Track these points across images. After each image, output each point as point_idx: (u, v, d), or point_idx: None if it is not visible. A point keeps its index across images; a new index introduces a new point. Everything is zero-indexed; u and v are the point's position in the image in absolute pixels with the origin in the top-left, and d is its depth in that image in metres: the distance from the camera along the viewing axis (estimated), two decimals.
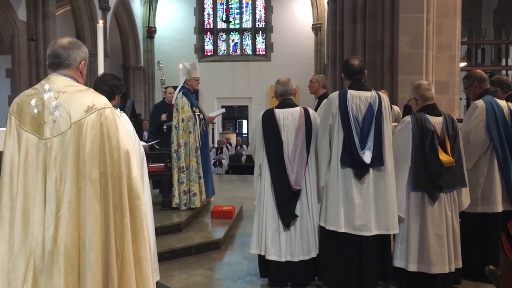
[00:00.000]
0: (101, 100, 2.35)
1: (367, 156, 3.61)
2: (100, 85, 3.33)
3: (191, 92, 6.04)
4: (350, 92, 3.72)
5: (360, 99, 3.71)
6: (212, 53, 20.41)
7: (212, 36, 20.47)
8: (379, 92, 3.81)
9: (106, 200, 2.28)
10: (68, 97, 2.30)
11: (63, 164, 2.26)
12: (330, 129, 3.75)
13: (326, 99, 3.95)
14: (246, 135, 20.79)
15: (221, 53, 20.47)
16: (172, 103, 6.10)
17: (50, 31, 12.08)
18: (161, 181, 6.08)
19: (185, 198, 5.84)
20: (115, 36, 17.98)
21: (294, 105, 4.04)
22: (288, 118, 3.95)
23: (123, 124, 2.70)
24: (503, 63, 9.90)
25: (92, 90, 2.45)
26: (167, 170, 5.92)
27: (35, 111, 2.30)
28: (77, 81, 2.43)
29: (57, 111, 2.29)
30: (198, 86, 6.20)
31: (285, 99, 4.07)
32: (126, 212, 2.33)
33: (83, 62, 2.46)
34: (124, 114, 3.35)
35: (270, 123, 3.98)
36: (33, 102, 2.32)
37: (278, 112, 4.00)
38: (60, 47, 2.39)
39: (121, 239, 2.32)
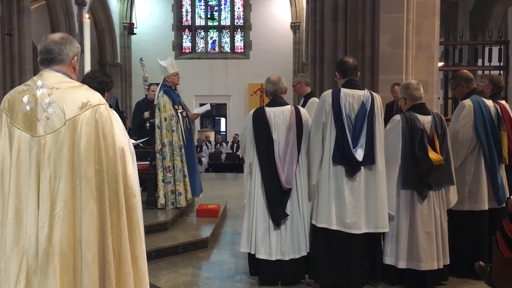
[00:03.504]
0: (95, 97, 2.31)
1: (359, 154, 3.65)
2: (89, 82, 3.25)
3: (172, 89, 5.96)
4: (343, 91, 3.75)
5: (353, 97, 3.74)
6: (190, 50, 20.25)
7: (190, 33, 20.31)
8: (372, 92, 3.84)
9: (102, 198, 2.24)
10: (61, 94, 2.25)
11: (58, 162, 2.20)
12: (323, 126, 3.77)
13: (319, 97, 3.97)
14: (224, 132, 20.74)
15: (199, 50, 20.33)
16: (154, 103, 6.02)
17: (25, 26, 11.74)
18: (144, 180, 6.00)
19: (172, 198, 5.79)
20: (90, 32, 17.65)
21: (285, 104, 4.04)
22: (279, 116, 3.95)
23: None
24: (479, 63, 10.11)
25: (86, 86, 2.40)
26: (152, 169, 5.85)
27: (28, 108, 2.24)
28: (70, 77, 2.37)
29: (50, 108, 2.23)
30: (179, 81, 6.09)
31: (275, 98, 4.06)
32: (122, 210, 2.30)
33: (75, 57, 2.41)
34: (114, 112, 3.28)
35: (260, 122, 3.96)
36: (25, 99, 2.25)
37: (269, 110, 3.99)
38: (52, 43, 2.34)
39: (118, 238, 2.29)
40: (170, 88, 5.97)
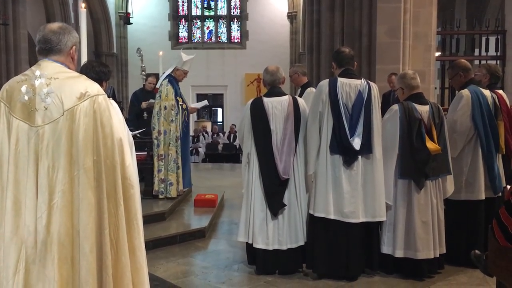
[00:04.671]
0: (94, 87, 2.31)
1: (356, 143, 3.67)
2: (86, 72, 3.25)
3: (176, 81, 6.00)
4: (340, 80, 3.76)
5: (350, 86, 3.75)
6: (187, 40, 20.13)
7: (187, 23, 20.18)
8: (369, 81, 3.85)
9: (100, 188, 2.24)
10: (60, 84, 2.24)
11: (56, 153, 2.20)
12: (320, 116, 3.78)
13: (316, 87, 3.98)
14: (221, 123, 20.69)
15: (195, 40, 20.20)
16: (156, 87, 6.04)
17: (20, 15, 11.65)
18: (142, 170, 6.01)
19: (162, 187, 5.83)
20: (86, 22, 17.50)
21: (283, 94, 4.04)
22: (276, 107, 3.95)
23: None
24: (476, 53, 10.11)
25: (84, 77, 2.40)
26: (149, 159, 5.86)
27: (26, 98, 2.24)
28: (68, 67, 2.37)
29: (48, 98, 2.23)
30: (182, 79, 6.17)
31: (273, 88, 4.06)
32: (120, 200, 2.31)
33: (74, 47, 2.41)
34: (113, 101, 3.28)
35: (258, 112, 3.97)
36: (23, 88, 2.25)
37: (267, 100, 3.99)
38: (50, 32, 2.33)
39: (116, 228, 2.29)
40: (174, 79, 6.02)
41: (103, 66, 3.37)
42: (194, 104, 6.77)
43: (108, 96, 2.63)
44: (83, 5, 4.32)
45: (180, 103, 5.94)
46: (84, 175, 2.21)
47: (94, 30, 18.64)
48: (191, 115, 6.56)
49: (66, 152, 2.21)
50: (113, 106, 2.68)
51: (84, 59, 3.96)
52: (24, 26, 11.77)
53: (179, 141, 5.90)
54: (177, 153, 5.87)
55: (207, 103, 7.06)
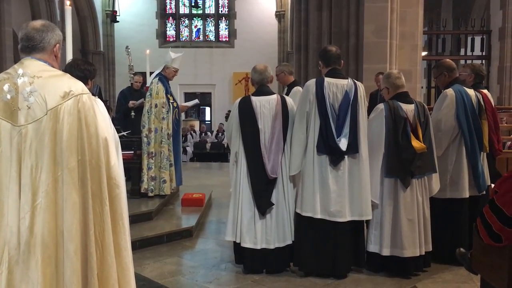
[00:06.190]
0: (78, 86, 2.28)
1: (343, 143, 3.68)
2: (71, 70, 3.22)
3: (166, 80, 5.99)
4: (327, 80, 3.77)
5: (336, 86, 3.76)
6: (175, 38, 20.04)
7: (174, 22, 20.08)
8: (355, 81, 3.87)
9: (85, 189, 2.21)
10: (43, 83, 2.21)
11: (39, 152, 2.17)
12: (307, 116, 3.78)
13: (303, 86, 3.98)
14: (209, 122, 20.64)
15: (183, 39, 20.12)
16: (147, 85, 6.03)
17: (5, 13, 11.51)
18: (129, 169, 5.98)
19: (152, 185, 5.81)
20: (72, 20, 17.31)
21: (271, 93, 4.04)
22: (265, 106, 3.95)
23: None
24: (462, 52, 10.22)
25: (68, 75, 2.36)
26: (136, 158, 5.83)
27: (8, 96, 2.20)
28: (52, 66, 2.33)
29: (32, 97, 2.20)
30: (173, 78, 6.18)
31: (261, 87, 4.06)
32: (105, 200, 2.28)
33: (57, 45, 2.36)
34: (98, 100, 3.25)
35: (246, 111, 3.96)
36: (5, 87, 2.21)
37: (255, 99, 3.98)
38: (33, 30, 2.29)
39: (101, 229, 2.27)
40: (165, 77, 6.01)
41: (88, 64, 3.34)
42: (185, 103, 6.78)
43: (94, 95, 2.60)
44: (68, 2, 4.25)
45: (171, 101, 5.94)
46: (68, 175, 2.17)
47: (81, 28, 18.47)
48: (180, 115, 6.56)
49: (50, 152, 2.17)
50: (98, 105, 2.65)
51: (69, 57, 3.91)
52: (9, 23, 11.62)
53: (171, 138, 5.89)
54: (169, 150, 5.89)
55: (198, 102, 7.09)
